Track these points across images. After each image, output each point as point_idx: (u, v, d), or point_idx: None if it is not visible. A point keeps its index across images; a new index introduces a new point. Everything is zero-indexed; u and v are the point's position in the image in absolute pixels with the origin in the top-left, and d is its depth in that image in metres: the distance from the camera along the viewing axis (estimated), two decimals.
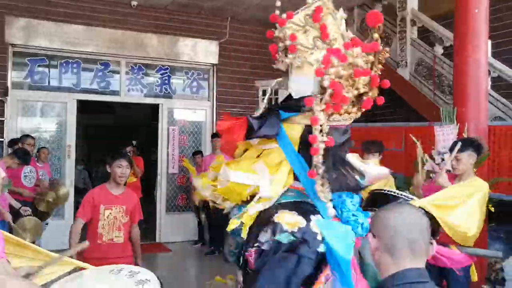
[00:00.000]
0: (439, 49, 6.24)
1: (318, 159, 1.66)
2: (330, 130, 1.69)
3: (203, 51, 7.37)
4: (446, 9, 6.35)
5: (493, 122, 5.18)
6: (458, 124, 4.51)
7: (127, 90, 7.09)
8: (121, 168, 3.26)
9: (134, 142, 11.16)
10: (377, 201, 2.10)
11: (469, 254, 3.11)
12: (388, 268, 1.23)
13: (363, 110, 1.78)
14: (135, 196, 3.52)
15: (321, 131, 1.67)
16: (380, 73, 1.72)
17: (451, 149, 3.34)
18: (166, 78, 7.36)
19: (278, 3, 1.85)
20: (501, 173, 4.85)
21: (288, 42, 1.78)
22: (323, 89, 1.66)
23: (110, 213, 3.25)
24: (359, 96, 1.70)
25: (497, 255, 3.29)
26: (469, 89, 4.57)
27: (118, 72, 7.00)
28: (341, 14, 1.85)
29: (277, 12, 1.81)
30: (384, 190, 2.21)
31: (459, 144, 3.31)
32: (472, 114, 4.53)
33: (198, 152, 6.93)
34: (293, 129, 1.76)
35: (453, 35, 5.05)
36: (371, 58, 1.68)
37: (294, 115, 1.76)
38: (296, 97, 1.78)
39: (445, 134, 4.48)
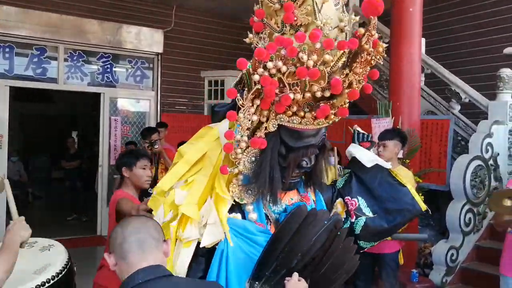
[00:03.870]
0: None
1: (237, 157, 1.48)
2: (277, 131, 1.48)
3: (148, 39, 7.17)
4: (386, 7, 6.60)
5: (425, 116, 5.49)
6: (393, 117, 4.74)
7: (66, 78, 6.76)
8: (146, 170, 2.79)
9: (74, 133, 10.81)
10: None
11: (398, 240, 3.33)
12: (125, 275, 1.26)
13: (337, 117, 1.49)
14: None
15: (248, 129, 1.47)
16: (360, 78, 1.42)
17: (379, 138, 3.56)
18: (108, 66, 7.10)
19: None
20: (432, 164, 5.17)
21: (255, 18, 1.51)
22: (254, 83, 1.42)
23: None
24: (319, 100, 1.44)
25: (423, 237, 3.55)
26: (403, 85, 4.81)
27: (55, 59, 6.65)
28: None
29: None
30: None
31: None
32: (406, 108, 4.78)
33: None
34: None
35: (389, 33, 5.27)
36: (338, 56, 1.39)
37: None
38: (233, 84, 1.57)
39: (381, 126, 4.69)
